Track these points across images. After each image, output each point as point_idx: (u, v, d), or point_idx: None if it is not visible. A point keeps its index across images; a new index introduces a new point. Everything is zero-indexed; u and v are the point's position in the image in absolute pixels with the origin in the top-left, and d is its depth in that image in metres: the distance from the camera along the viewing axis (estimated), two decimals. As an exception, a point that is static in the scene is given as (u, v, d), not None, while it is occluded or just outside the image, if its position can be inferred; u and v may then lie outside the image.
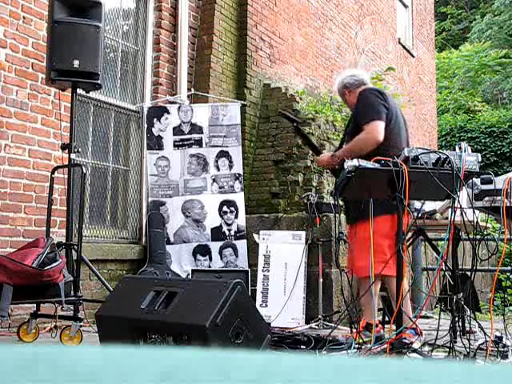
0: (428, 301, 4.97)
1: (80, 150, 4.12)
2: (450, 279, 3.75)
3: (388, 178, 2.85)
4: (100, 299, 4.24)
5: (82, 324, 3.60)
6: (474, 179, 3.20)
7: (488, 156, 14.75)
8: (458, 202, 2.91)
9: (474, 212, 3.17)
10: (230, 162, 5.39)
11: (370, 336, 3.44)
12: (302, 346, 3.43)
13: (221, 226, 5.30)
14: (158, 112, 5.38)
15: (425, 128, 11.62)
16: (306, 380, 0.39)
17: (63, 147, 3.96)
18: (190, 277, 4.91)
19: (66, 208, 3.94)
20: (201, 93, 5.78)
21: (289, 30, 7.20)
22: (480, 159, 2.99)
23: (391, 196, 2.94)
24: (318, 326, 4.50)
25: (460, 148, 2.95)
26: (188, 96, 5.75)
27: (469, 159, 2.94)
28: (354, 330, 3.39)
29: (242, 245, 5.27)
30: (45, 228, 3.96)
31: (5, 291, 3.24)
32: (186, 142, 5.35)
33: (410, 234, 3.99)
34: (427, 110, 11.86)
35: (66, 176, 3.99)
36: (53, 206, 4.04)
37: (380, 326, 3.63)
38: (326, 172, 5.95)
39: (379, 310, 3.87)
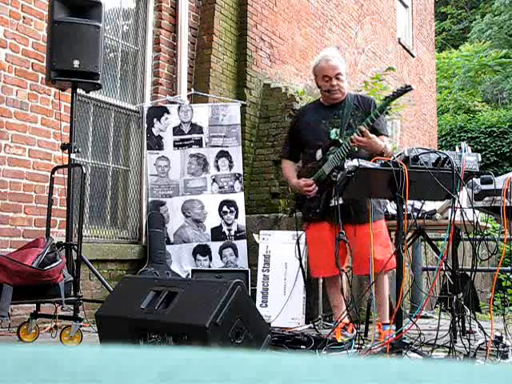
0: (428, 301, 4.97)
1: (80, 149, 4.12)
2: (450, 279, 3.75)
3: (388, 178, 2.85)
4: (100, 299, 4.23)
5: (81, 324, 3.60)
6: (474, 179, 3.20)
7: (488, 156, 14.74)
8: (458, 201, 2.91)
9: (474, 212, 3.17)
10: (230, 162, 5.39)
11: (348, 336, 3.48)
12: (302, 346, 3.43)
13: (221, 225, 5.30)
14: (158, 112, 5.38)
15: (425, 128, 11.62)
16: (306, 380, 0.39)
17: (63, 147, 3.96)
18: (190, 277, 4.90)
19: (66, 208, 3.94)
20: (201, 93, 5.78)
21: (289, 30, 7.20)
22: (480, 159, 2.99)
23: (391, 196, 2.95)
24: (318, 325, 4.50)
25: (460, 148, 2.96)
26: (188, 96, 5.74)
27: (469, 159, 2.94)
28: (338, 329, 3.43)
29: (241, 245, 5.27)
30: (45, 228, 3.96)
31: (5, 291, 3.24)
32: (186, 142, 5.35)
33: (409, 234, 3.99)
34: (427, 110, 11.85)
35: (66, 176, 3.99)
36: (53, 206, 4.04)
37: (352, 325, 3.64)
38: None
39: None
